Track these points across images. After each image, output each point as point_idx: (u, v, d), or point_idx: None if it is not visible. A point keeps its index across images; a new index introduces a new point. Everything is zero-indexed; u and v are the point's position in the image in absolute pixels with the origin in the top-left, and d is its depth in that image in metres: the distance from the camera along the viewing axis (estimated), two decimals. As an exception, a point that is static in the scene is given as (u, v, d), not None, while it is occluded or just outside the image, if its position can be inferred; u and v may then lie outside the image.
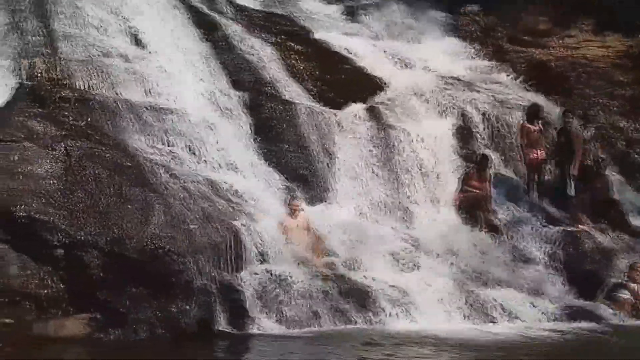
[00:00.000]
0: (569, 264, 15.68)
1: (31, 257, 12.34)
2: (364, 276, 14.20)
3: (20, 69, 15.38)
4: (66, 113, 14.52)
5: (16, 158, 13.08)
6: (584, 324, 13.98)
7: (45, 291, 12.28)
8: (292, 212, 14.76)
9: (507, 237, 15.98)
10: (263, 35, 18.62)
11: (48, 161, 13.22)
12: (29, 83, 15.13)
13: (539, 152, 16.96)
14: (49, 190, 12.84)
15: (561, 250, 15.82)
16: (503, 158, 17.59)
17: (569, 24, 20.90)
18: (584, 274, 15.52)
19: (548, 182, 17.23)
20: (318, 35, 19.56)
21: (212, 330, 12.69)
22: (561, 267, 15.59)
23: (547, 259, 15.65)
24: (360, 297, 13.76)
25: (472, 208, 16.26)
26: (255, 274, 13.62)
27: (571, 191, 16.66)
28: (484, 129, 17.81)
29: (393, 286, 14.07)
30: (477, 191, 16.37)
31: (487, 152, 17.28)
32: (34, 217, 12.46)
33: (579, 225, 16.40)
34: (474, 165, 16.85)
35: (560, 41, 20.61)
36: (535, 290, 14.91)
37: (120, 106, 15.12)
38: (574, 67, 19.91)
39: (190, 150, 15.25)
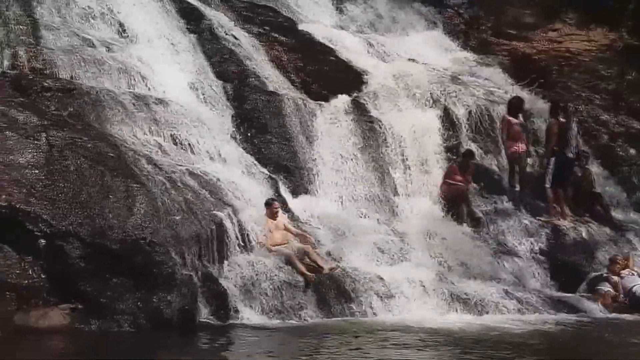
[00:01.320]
0: (551, 256, 15.78)
1: (12, 247, 12.25)
2: (347, 268, 14.20)
3: (2, 58, 15.30)
4: (48, 103, 14.47)
5: (-3, 147, 13.01)
6: (566, 317, 14.06)
7: (27, 281, 12.19)
8: (273, 213, 14.49)
9: (490, 230, 16.03)
10: (247, 26, 18.60)
11: (30, 151, 13.13)
12: (11, 72, 15.05)
13: (520, 145, 16.97)
14: (31, 180, 12.75)
15: (543, 243, 15.91)
16: (487, 150, 17.61)
17: (554, 18, 20.97)
18: (566, 267, 15.64)
19: (531, 174, 17.27)
20: (303, 26, 19.54)
21: (195, 321, 12.67)
22: (543, 259, 15.69)
23: (529, 252, 15.74)
24: (343, 289, 13.77)
25: (455, 201, 16.28)
26: (239, 264, 13.60)
27: (547, 183, 16.70)
28: (468, 122, 17.84)
29: (376, 278, 14.09)
30: (460, 184, 16.38)
31: (472, 146, 17.30)
32: (16, 207, 12.37)
33: (561, 218, 16.46)
34: (458, 159, 16.87)
35: (544, 34, 20.69)
36: (517, 282, 14.98)
37: (103, 96, 15.06)
38: (557, 60, 19.99)
39: (173, 140, 15.20)
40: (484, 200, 16.72)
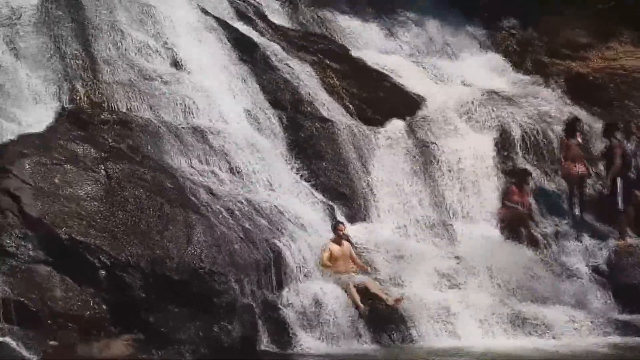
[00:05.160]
0: (613, 277, 15.53)
1: (74, 279, 12.44)
2: (406, 293, 14.13)
3: (61, 93, 15.56)
4: (106, 135, 14.68)
5: (57, 181, 13.22)
6: (630, 339, 13.84)
7: (89, 313, 12.36)
8: (339, 237, 14.41)
9: (550, 252, 15.84)
10: (301, 54, 18.65)
11: (89, 183, 13.35)
12: (70, 106, 15.30)
13: (579, 167, 16.76)
14: (91, 212, 12.95)
15: (605, 264, 15.67)
16: (544, 172, 17.45)
17: (608, 37, 20.71)
18: (629, 288, 15.36)
19: (592, 196, 17.06)
20: (356, 53, 19.57)
21: (255, 349, 12.72)
22: (605, 281, 15.44)
23: (591, 273, 15.50)
24: (403, 315, 13.71)
25: (514, 223, 16.14)
26: (298, 292, 13.63)
27: (620, 204, 16.46)
28: (525, 144, 17.69)
29: (435, 303, 14.02)
30: (519, 206, 16.24)
31: (527, 166, 17.17)
32: (76, 239, 12.57)
33: (624, 239, 16.22)
34: (515, 180, 16.72)
35: (600, 53, 20.44)
36: (579, 305, 14.78)
37: (160, 128, 15.23)
38: (612, 78, 19.69)
39: (230, 170, 15.31)
40: (543, 222, 16.55)
